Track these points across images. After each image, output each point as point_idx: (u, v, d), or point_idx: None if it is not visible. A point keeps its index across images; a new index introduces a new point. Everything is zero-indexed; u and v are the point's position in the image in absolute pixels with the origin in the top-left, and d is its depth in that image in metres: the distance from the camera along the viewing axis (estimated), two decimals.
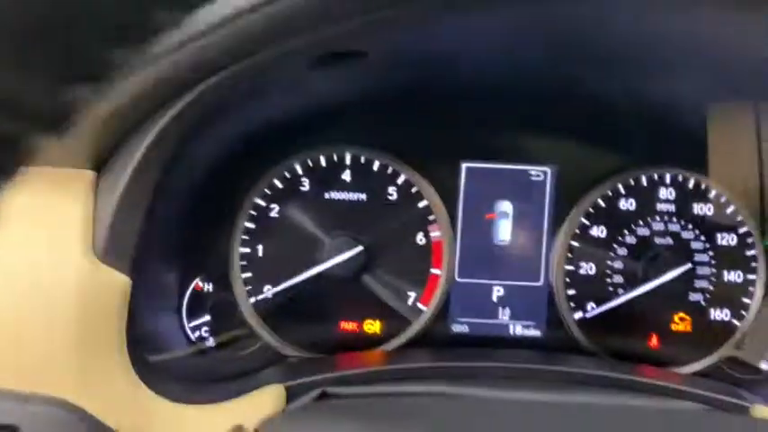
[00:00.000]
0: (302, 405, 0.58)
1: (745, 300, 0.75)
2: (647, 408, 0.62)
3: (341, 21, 0.42)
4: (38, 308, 0.53)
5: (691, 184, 0.75)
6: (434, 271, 0.74)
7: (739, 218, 0.76)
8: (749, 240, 0.75)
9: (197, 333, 0.72)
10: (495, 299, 0.75)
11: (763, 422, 0.60)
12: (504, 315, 0.75)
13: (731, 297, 0.76)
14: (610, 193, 0.76)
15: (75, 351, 0.53)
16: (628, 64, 0.69)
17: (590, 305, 0.74)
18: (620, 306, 0.75)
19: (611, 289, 0.75)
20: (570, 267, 0.74)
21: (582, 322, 0.75)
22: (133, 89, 0.47)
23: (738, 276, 0.75)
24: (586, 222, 0.75)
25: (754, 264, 0.76)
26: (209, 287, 0.73)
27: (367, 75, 0.61)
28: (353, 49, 0.54)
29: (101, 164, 0.53)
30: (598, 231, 0.75)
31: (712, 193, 0.76)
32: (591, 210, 0.75)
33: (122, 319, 0.56)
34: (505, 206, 0.76)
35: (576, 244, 0.75)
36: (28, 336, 0.52)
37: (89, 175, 0.53)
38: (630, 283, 0.75)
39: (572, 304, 0.74)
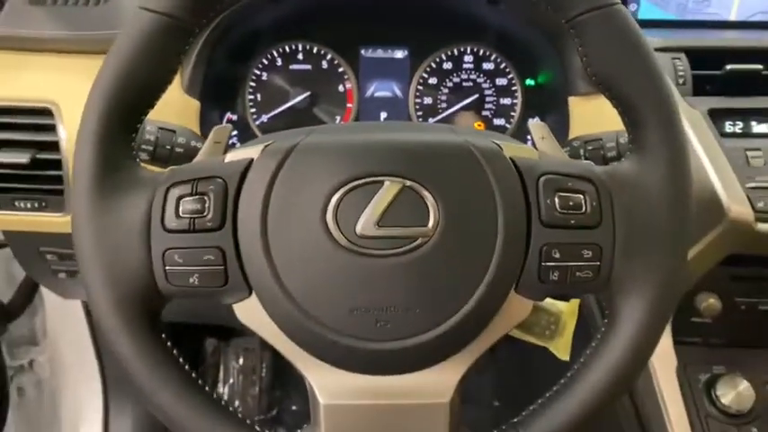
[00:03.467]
0: None
1: (512, 113, 1.18)
2: None
3: None
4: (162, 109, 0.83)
5: (481, 52, 1.16)
6: (349, 105, 1.17)
7: (507, 69, 1.17)
8: (513, 81, 1.17)
9: (231, 141, 1.13)
10: (382, 118, 1.18)
11: None
12: None
13: (505, 112, 1.17)
14: (438, 60, 1.16)
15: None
16: None
17: (429, 118, 1.16)
18: (445, 118, 1.16)
19: (440, 111, 1.18)
20: (418, 100, 1.17)
21: None
22: None
23: (508, 101, 1.18)
24: (425, 76, 1.17)
25: (516, 94, 1.17)
26: (234, 117, 1.15)
27: (288, 8, 1.08)
28: None
29: None
30: (432, 80, 1.17)
31: (492, 57, 1.16)
32: (427, 69, 1.16)
33: (197, 123, 0.96)
34: (385, 69, 1.17)
35: (420, 88, 1.17)
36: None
37: None
38: (450, 105, 1.17)
39: (420, 118, 1.17)
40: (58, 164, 0.94)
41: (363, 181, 0.53)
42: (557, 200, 0.54)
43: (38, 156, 0.99)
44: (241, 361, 1.89)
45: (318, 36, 1.16)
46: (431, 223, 0.53)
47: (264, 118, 1.18)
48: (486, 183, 0.54)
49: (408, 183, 0.53)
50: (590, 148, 0.89)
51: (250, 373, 1.89)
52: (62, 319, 1.49)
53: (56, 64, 1.01)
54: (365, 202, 0.53)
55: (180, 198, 0.54)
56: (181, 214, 0.54)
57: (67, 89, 0.95)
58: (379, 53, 1.19)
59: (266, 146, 0.56)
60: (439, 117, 1.18)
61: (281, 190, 0.53)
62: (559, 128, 1.04)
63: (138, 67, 0.54)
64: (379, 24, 1.16)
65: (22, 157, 0.93)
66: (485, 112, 1.19)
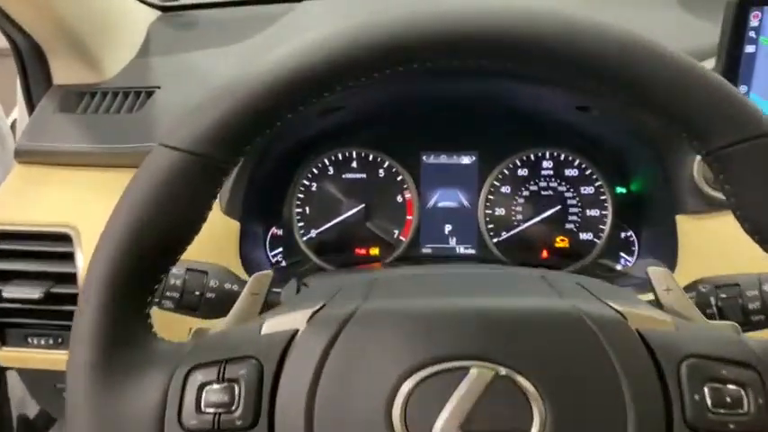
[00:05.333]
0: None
1: (602, 227, 1.06)
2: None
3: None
4: (202, 237, 0.91)
5: (562, 157, 1.06)
6: (408, 217, 1.08)
7: (595, 176, 1.06)
8: (602, 189, 1.07)
9: (275, 259, 1.07)
10: (446, 232, 1.09)
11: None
12: (452, 241, 1.09)
13: (592, 225, 1.06)
14: (511, 165, 1.07)
15: (218, 261, 0.84)
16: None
17: (503, 233, 1.07)
18: (521, 233, 1.07)
19: (514, 223, 1.07)
20: (489, 211, 1.08)
21: (498, 244, 1.07)
22: None
23: (596, 212, 1.06)
24: (497, 184, 1.07)
25: (606, 204, 1.06)
26: (280, 232, 1.09)
27: (341, 116, 1.00)
28: (333, 106, 0.94)
29: None
30: (505, 189, 1.07)
31: (576, 162, 1.06)
32: (499, 176, 1.07)
33: (237, 246, 0.89)
34: (450, 178, 1.09)
35: (491, 197, 1.07)
36: (201, 249, 0.87)
37: None
38: (526, 218, 1.06)
39: (491, 233, 1.07)
40: (75, 298, 0.80)
41: (442, 367, 0.42)
42: (707, 394, 0.41)
43: (53, 290, 0.86)
44: None
45: (374, 142, 1.09)
46: (535, 427, 0.40)
47: (313, 233, 1.11)
48: (607, 368, 0.42)
49: (503, 370, 0.41)
50: (723, 295, 0.73)
51: None
52: None
53: (80, 179, 0.96)
54: (445, 395, 0.41)
55: (203, 386, 0.43)
56: (203, 408, 0.42)
57: (90, 210, 0.88)
58: (443, 159, 1.11)
59: (314, 313, 0.46)
60: (513, 232, 1.09)
61: (332, 377, 0.42)
62: (661, 248, 0.95)
63: (160, 215, 0.45)
64: (443, 127, 1.10)
65: (35, 293, 0.84)
66: (568, 225, 1.08)
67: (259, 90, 0.44)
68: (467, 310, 0.45)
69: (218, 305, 0.77)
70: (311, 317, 0.46)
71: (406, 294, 0.50)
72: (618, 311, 0.45)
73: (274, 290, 0.78)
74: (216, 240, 0.89)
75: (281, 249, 1.10)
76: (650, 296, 0.58)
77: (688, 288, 0.78)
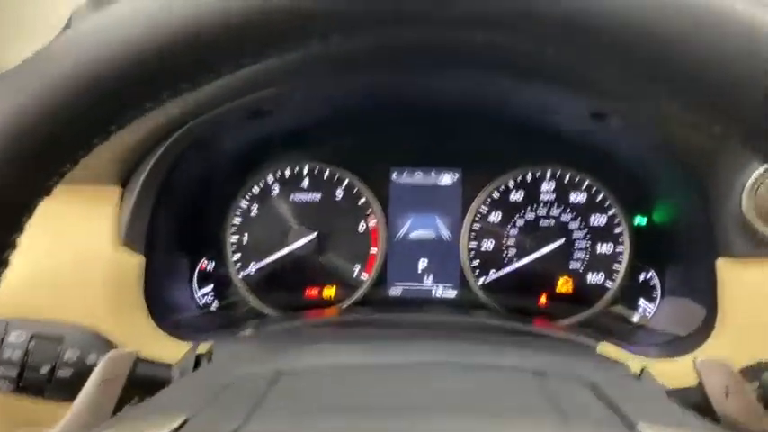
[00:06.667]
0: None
1: (616, 266, 0.89)
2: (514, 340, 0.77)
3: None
4: (83, 276, 0.71)
5: (567, 177, 0.90)
6: (373, 250, 0.93)
7: (608, 203, 0.90)
8: (617, 221, 0.89)
9: (204, 300, 0.92)
10: (420, 270, 0.94)
11: (595, 353, 0.69)
12: (427, 281, 0.94)
13: (604, 264, 0.90)
14: (502, 187, 0.92)
15: (108, 305, 0.71)
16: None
17: (491, 272, 0.91)
18: (513, 272, 0.90)
19: (505, 260, 0.91)
20: (474, 243, 0.92)
21: (485, 286, 0.91)
22: (139, 132, 0.72)
23: (609, 248, 0.90)
24: (485, 210, 0.92)
25: (621, 239, 0.89)
26: (211, 266, 0.93)
27: (286, 120, 0.83)
28: (263, 109, 0.75)
29: (125, 181, 0.74)
30: (494, 217, 0.92)
31: (585, 184, 0.90)
32: (488, 200, 0.92)
33: (140, 285, 0.75)
34: (426, 200, 0.93)
35: (477, 226, 0.92)
36: (77, 294, 0.70)
37: (117, 189, 0.73)
38: (520, 254, 0.90)
39: (476, 272, 0.91)
40: None
41: None
42: None
43: None
44: None
45: (331, 154, 0.94)
46: None
47: (252, 268, 0.94)
48: None
49: None
50: None
51: None
52: None
53: None
54: None
55: None
56: None
57: None
58: (418, 177, 0.95)
59: None
60: (504, 271, 0.92)
61: None
62: (693, 296, 0.79)
63: None
64: (418, 137, 0.94)
65: None
66: (574, 264, 0.92)
67: (50, 83, 0.29)
68: None
69: (76, 386, 0.57)
70: None
71: (318, 407, 0.37)
72: None
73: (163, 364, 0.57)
74: (108, 281, 0.73)
75: (211, 288, 0.94)
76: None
77: (744, 373, 0.57)
